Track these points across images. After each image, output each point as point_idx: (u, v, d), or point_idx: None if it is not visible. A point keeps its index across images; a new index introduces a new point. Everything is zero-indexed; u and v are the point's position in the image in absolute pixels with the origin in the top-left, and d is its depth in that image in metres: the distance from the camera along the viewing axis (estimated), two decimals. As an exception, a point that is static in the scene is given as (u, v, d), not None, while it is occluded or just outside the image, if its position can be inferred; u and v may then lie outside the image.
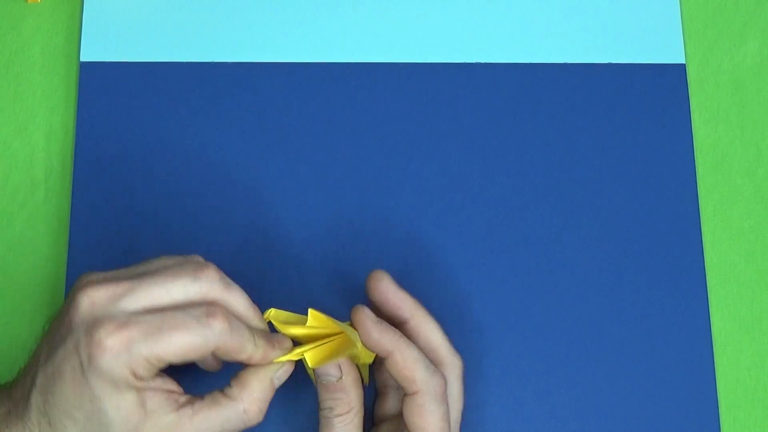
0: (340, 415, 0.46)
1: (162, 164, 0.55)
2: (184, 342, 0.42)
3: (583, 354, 0.53)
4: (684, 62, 0.58)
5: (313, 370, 0.47)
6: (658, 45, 0.58)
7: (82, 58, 0.57)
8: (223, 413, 0.45)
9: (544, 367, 0.53)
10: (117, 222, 0.50)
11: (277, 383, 0.46)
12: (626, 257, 0.55)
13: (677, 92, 0.57)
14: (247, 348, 0.44)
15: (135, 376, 0.42)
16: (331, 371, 0.46)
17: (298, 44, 0.58)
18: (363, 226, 0.55)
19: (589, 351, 0.53)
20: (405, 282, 0.51)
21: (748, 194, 0.57)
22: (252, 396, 0.45)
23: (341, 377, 0.46)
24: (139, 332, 0.42)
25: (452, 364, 0.47)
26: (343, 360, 0.46)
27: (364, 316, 0.46)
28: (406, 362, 0.45)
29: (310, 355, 0.46)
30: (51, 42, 0.58)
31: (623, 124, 0.57)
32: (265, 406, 0.46)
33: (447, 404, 0.46)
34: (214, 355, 0.44)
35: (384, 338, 0.45)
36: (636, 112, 0.57)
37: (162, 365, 0.43)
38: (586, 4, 0.59)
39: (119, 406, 0.42)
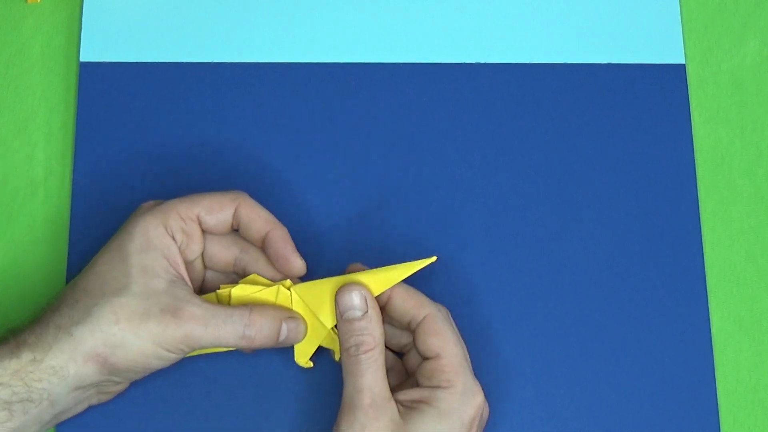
0: (368, 351, 0.45)
1: (161, 164, 0.55)
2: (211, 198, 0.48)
3: (583, 354, 0.53)
4: (684, 62, 0.58)
5: (336, 306, 0.46)
6: (658, 45, 0.58)
7: (82, 59, 0.57)
8: (223, 326, 0.45)
9: (544, 366, 0.53)
10: (117, 222, 0.50)
11: (284, 335, 0.46)
12: (626, 257, 0.55)
13: (677, 92, 0.57)
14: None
15: (166, 228, 0.46)
16: (356, 303, 0.46)
17: (298, 44, 0.58)
18: (362, 226, 0.55)
19: (589, 351, 0.53)
20: (404, 281, 0.51)
21: (748, 194, 0.57)
22: (257, 324, 0.46)
23: (367, 311, 0.46)
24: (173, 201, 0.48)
25: (440, 310, 0.48)
26: (367, 293, 0.46)
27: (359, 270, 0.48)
28: (409, 292, 0.48)
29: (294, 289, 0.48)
30: (51, 42, 0.58)
31: (623, 124, 0.57)
32: (266, 337, 0.46)
33: (456, 331, 0.47)
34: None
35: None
36: (636, 112, 0.57)
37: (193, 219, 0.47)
38: (586, 4, 0.59)
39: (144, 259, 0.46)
